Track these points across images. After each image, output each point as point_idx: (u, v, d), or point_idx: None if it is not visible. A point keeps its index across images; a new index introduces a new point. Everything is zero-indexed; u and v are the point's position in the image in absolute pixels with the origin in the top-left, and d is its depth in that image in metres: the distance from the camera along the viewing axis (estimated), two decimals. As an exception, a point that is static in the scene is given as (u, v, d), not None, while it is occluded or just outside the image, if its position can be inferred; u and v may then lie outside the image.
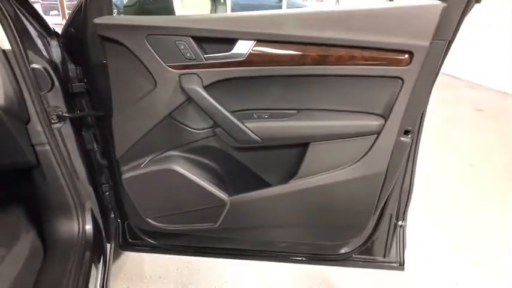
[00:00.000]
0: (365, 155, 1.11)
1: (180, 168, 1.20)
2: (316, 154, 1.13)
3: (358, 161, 1.11)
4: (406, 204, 1.36)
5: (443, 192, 2.72)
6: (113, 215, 1.57)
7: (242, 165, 1.23)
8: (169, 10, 1.58)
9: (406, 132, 1.12)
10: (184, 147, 1.22)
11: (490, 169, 3.09)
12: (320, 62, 1.00)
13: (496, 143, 3.71)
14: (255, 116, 1.12)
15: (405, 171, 1.27)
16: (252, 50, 1.01)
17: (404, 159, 1.18)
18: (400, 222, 1.38)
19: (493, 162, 3.24)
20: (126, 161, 1.24)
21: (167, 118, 1.14)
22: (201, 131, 1.17)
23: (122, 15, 1.12)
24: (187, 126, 1.16)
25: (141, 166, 1.24)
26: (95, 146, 1.42)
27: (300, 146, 1.14)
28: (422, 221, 2.33)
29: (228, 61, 1.03)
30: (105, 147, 1.39)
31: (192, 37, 1.02)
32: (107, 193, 1.51)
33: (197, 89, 1.04)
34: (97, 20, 1.03)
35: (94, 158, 1.44)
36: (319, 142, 1.11)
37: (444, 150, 3.50)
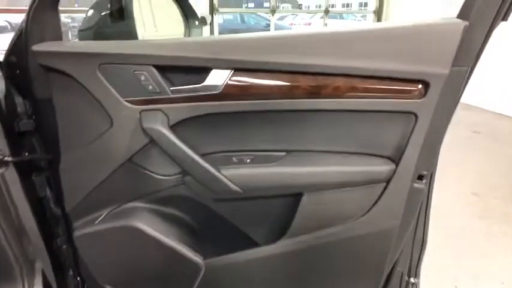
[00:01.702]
0: (372, 207, 0.90)
1: (143, 225, 0.98)
2: (311, 207, 0.91)
3: (364, 215, 0.90)
4: (418, 259, 1.14)
5: (452, 231, 2.51)
6: (71, 273, 1.32)
7: (221, 218, 1.01)
8: (132, 35, 1.43)
9: (420, 177, 0.92)
10: (149, 197, 1.00)
11: (496, 197, 2.90)
12: (313, 94, 0.81)
13: (497, 167, 3.54)
14: (235, 160, 0.91)
15: (417, 220, 1.06)
16: (229, 80, 0.81)
17: (418, 210, 0.97)
18: (412, 280, 1.16)
19: (497, 189, 3.05)
20: (77, 215, 1.02)
21: (127, 163, 0.93)
22: (169, 178, 0.96)
23: (68, 41, 0.92)
24: (151, 172, 0.95)
25: (96, 222, 1.01)
26: (48, 192, 1.19)
27: (292, 197, 0.93)
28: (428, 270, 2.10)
29: (199, 95, 0.83)
30: (60, 194, 1.17)
31: (155, 66, 0.82)
32: (64, 247, 1.27)
33: (160, 129, 0.83)
34: (36, 47, 0.83)
35: (47, 206, 1.21)
36: (314, 192, 0.90)
37: (444, 177, 3.31)
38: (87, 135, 0.91)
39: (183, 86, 0.84)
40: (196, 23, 1.72)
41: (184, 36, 1.76)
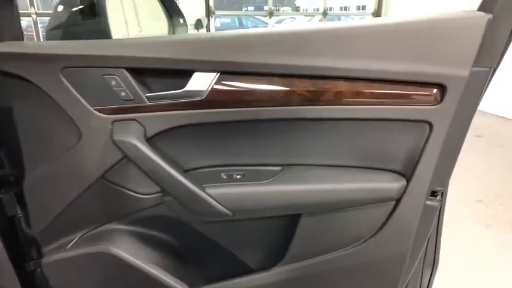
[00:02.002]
0: (380, 229, 0.78)
1: (120, 251, 0.86)
2: (311, 229, 0.80)
3: (371, 237, 0.79)
4: (429, 281, 1.02)
5: (457, 240, 2.39)
6: None
7: (210, 241, 0.90)
8: (105, 34, 1.30)
9: (433, 193, 0.80)
10: (127, 218, 0.88)
11: (502, 203, 2.79)
12: (313, 100, 0.70)
13: (501, 172, 3.43)
14: (223, 176, 0.80)
15: (428, 238, 0.95)
16: (214, 85, 0.70)
17: (431, 229, 0.85)
18: None
19: (501, 195, 2.94)
20: (47, 238, 0.90)
21: (100, 181, 0.81)
22: (150, 196, 0.84)
23: (26, 41, 0.80)
24: (129, 190, 0.83)
25: (68, 247, 0.89)
26: (19, 211, 1.07)
27: (289, 217, 0.81)
28: None
29: (180, 102, 0.72)
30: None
31: (127, 69, 0.71)
32: (38, 270, 1.15)
33: (133, 142, 0.71)
34: None
35: (18, 226, 1.09)
36: (314, 213, 0.78)
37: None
38: (53, 150, 0.80)
39: (161, 91, 0.72)
40: (181, 21, 1.60)
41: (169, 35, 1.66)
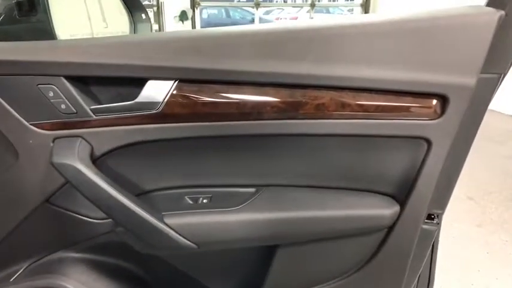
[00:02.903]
0: (369, 260, 0.68)
1: (72, 284, 0.74)
2: (289, 261, 0.69)
3: (359, 270, 0.69)
4: None
5: (448, 241, 2.33)
6: None
7: (176, 268, 0.78)
8: (46, 34, 1.14)
9: (430, 216, 0.70)
10: (79, 245, 0.76)
11: (493, 201, 2.73)
12: (289, 113, 0.58)
13: (491, 168, 3.38)
14: (188, 199, 0.68)
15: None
16: (172, 95, 0.58)
17: (427, 254, 0.75)
18: None
19: (492, 193, 2.89)
20: None
21: (45, 205, 0.69)
22: (104, 221, 0.72)
23: None
24: (79, 214, 0.71)
25: (11, 279, 0.77)
26: None
27: (264, 247, 0.70)
28: None
29: (132, 115, 0.60)
30: None
31: (67, 77, 0.59)
32: None
33: (76, 166, 0.59)
34: None
35: None
36: (293, 244, 0.68)
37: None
38: None
39: (109, 103, 0.60)
40: (143, 16, 1.45)
41: (130, 33, 1.50)
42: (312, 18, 6.52)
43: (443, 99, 0.56)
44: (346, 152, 0.63)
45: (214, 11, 10.13)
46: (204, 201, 0.67)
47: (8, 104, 0.60)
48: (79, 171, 0.59)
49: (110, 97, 0.61)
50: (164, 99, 0.59)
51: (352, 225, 0.65)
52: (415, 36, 0.54)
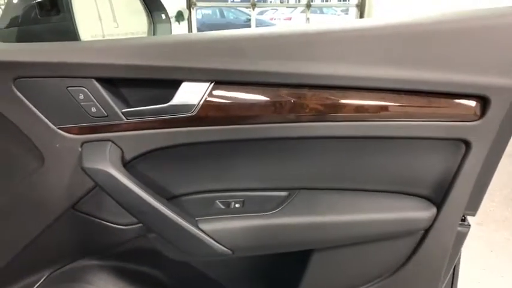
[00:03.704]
0: (405, 264, 0.67)
1: None
2: (324, 266, 0.68)
3: (394, 274, 0.68)
4: None
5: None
6: None
7: (205, 276, 0.77)
8: (70, 34, 1.11)
9: (462, 218, 0.70)
10: (104, 252, 0.75)
11: (493, 200, 2.75)
12: (327, 115, 0.57)
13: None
14: (219, 204, 0.67)
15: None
16: (208, 97, 0.57)
17: (458, 256, 0.75)
18: None
19: (493, 191, 2.91)
20: (6, 278, 0.75)
21: (69, 211, 0.67)
22: (131, 227, 0.71)
23: None
24: (105, 220, 0.70)
25: None
26: None
27: (299, 251, 0.69)
28: None
29: (166, 118, 0.58)
30: None
31: (98, 79, 0.57)
32: None
33: (109, 171, 0.57)
34: None
35: None
36: (329, 248, 0.67)
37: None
38: (9, 177, 0.65)
39: (142, 106, 0.59)
40: (163, 16, 1.43)
41: (148, 34, 1.47)
42: (308, 19, 6.52)
43: (484, 101, 0.55)
44: (383, 154, 0.63)
45: (209, 11, 10.09)
46: (237, 205, 0.66)
47: (35, 107, 0.59)
48: (111, 176, 0.57)
49: (141, 100, 0.60)
50: (200, 101, 0.57)
51: (389, 228, 0.64)
52: (456, 37, 0.54)
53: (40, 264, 0.75)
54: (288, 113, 0.57)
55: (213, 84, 0.57)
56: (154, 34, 1.55)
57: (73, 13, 1.07)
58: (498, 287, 1.91)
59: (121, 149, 0.61)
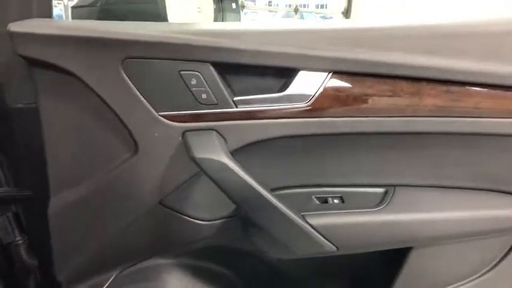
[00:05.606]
0: (498, 263, 0.68)
1: None
2: (421, 264, 0.67)
3: (487, 272, 0.68)
4: None
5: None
6: None
7: (286, 276, 0.74)
8: (158, 15, 1.04)
9: None
10: (178, 250, 0.71)
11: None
12: (443, 111, 0.57)
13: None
14: (315, 199, 0.65)
15: None
16: (325, 88, 0.55)
17: None
18: None
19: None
20: (74, 280, 0.69)
21: (156, 207, 0.63)
22: (210, 223, 0.67)
23: (66, 20, 0.58)
24: (185, 215, 0.66)
25: (104, 287, 0.70)
26: (17, 236, 0.84)
27: (392, 251, 0.68)
28: None
29: (278, 108, 0.56)
30: (35, 239, 0.82)
31: (214, 64, 0.53)
32: None
33: (223, 161, 0.54)
34: (14, 27, 0.51)
35: (17, 255, 0.85)
36: (427, 246, 0.66)
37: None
38: (94, 167, 0.60)
39: (253, 95, 0.56)
40: (233, 5, 1.37)
41: (215, 21, 1.40)
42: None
43: None
44: (480, 151, 0.63)
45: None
46: (335, 201, 0.64)
47: (140, 92, 0.54)
48: (226, 167, 0.53)
49: (255, 88, 0.56)
50: (316, 92, 0.55)
51: (485, 227, 0.64)
52: None
53: (109, 263, 0.69)
54: (405, 107, 0.56)
55: (331, 74, 0.55)
56: (222, 21, 1.49)
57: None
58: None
59: (225, 138, 0.57)
